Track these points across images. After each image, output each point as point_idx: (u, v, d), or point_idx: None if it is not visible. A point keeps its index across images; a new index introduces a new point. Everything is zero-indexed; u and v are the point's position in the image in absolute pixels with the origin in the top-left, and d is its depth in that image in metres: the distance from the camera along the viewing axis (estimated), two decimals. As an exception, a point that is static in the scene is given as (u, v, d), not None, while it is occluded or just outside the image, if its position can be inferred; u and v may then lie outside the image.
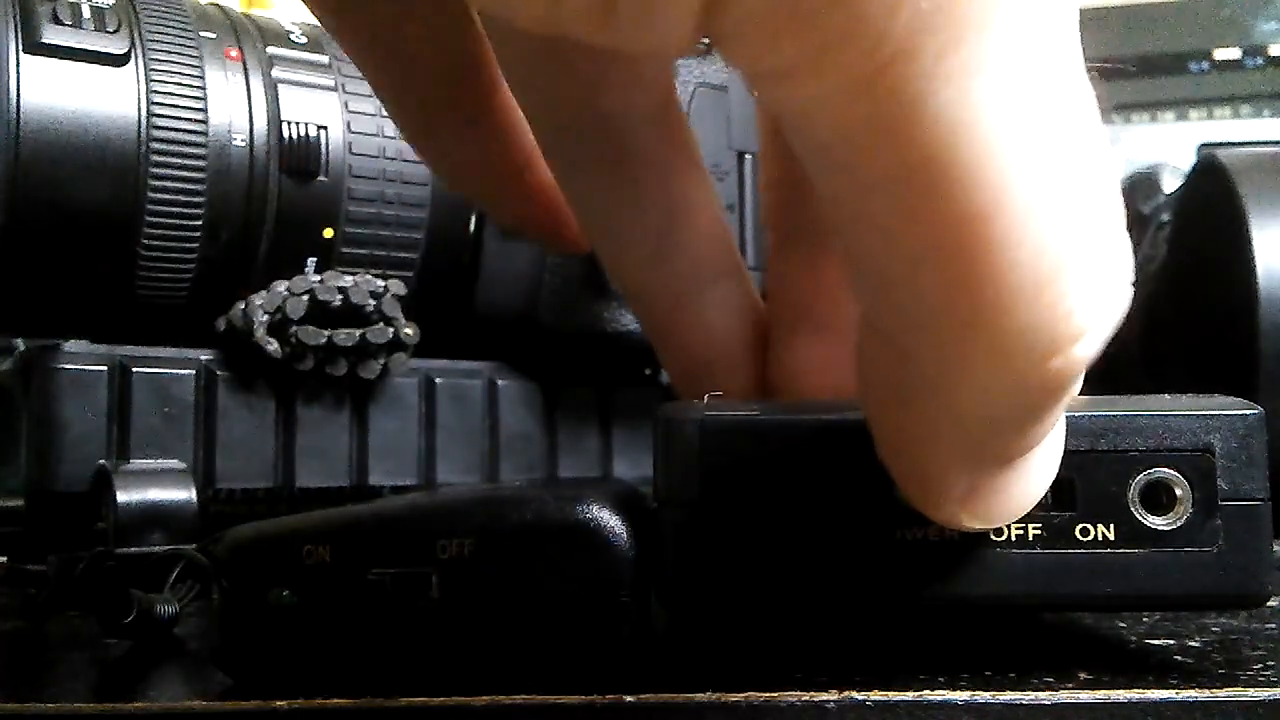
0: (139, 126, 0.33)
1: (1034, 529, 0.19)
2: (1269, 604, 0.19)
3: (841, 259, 0.15)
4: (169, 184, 0.33)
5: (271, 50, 0.36)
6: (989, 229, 0.13)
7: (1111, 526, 0.19)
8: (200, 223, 0.34)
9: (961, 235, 0.13)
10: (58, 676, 0.22)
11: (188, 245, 0.34)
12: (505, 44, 0.22)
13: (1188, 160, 0.46)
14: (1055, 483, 0.17)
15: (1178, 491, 0.19)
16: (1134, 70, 0.94)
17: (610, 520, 0.19)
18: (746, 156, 0.41)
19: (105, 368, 0.32)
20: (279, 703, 0.18)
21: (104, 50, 0.32)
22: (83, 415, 0.32)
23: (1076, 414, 0.18)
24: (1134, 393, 0.21)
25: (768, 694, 0.18)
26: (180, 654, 0.23)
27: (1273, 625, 0.23)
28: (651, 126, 0.23)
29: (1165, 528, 0.18)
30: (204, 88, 0.34)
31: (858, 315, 0.16)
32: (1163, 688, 0.18)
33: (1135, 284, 0.15)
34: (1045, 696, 0.18)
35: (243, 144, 0.34)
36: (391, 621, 0.19)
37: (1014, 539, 0.19)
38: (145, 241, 0.33)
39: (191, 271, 0.34)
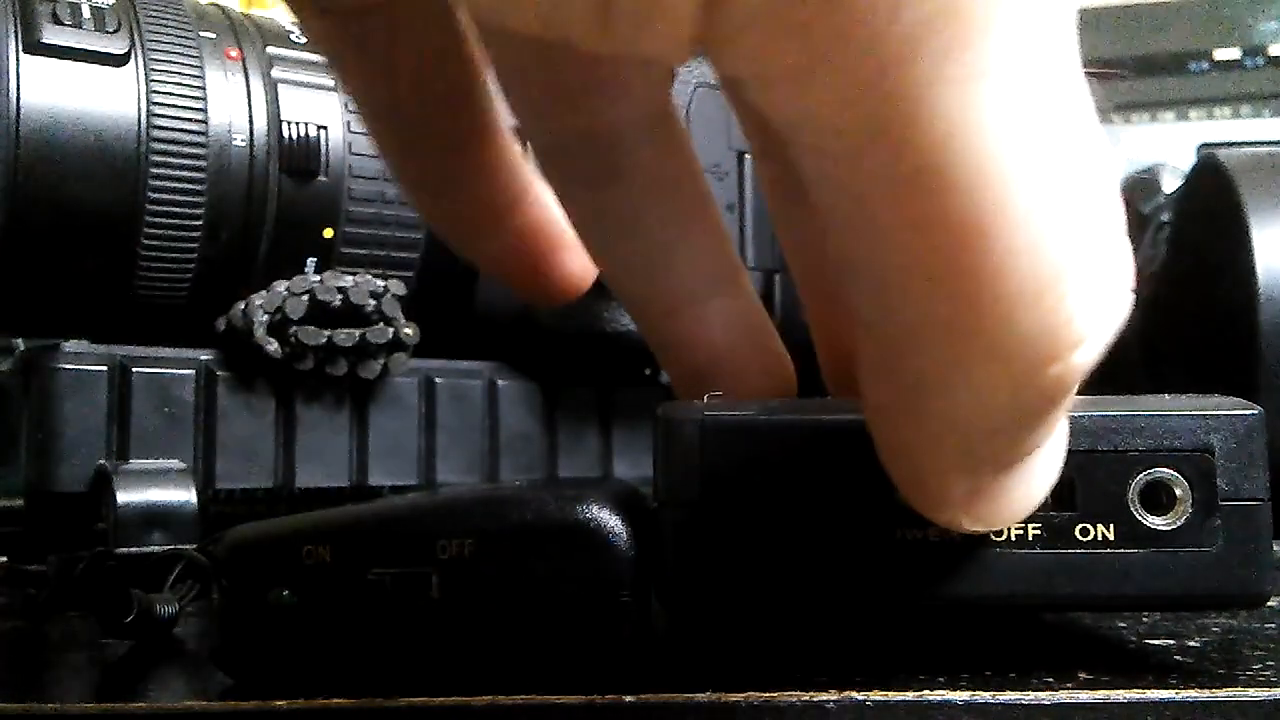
0: (139, 126, 0.33)
1: (1034, 529, 0.19)
2: (1269, 604, 0.19)
3: (837, 263, 0.15)
4: (169, 184, 0.33)
5: (271, 50, 0.36)
6: (988, 235, 0.13)
7: (1111, 526, 0.19)
8: (200, 223, 0.34)
9: (960, 241, 0.13)
10: (58, 676, 0.22)
11: (187, 245, 0.34)
12: (501, 54, 0.22)
13: (1188, 160, 0.46)
14: (1055, 483, 0.17)
15: (1178, 492, 0.18)
16: (1132, 71, 0.94)
17: (610, 520, 0.19)
18: (746, 156, 0.41)
19: (105, 368, 0.32)
20: (279, 703, 0.18)
21: (104, 50, 0.32)
22: (82, 415, 0.32)
23: (1076, 414, 0.18)
24: (1134, 393, 0.21)
25: (768, 694, 0.18)
26: (180, 654, 0.23)
27: (1273, 625, 0.23)
28: (649, 140, 0.22)
29: (1165, 528, 0.18)
30: (204, 88, 0.34)
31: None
32: (1163, 688, 0.18)
33: (1135, 287, 0.15)
34: (1045, 696, 0.18)
35: (243, 144, 0.34)
36: (391, 621, 0.19)
37: (1014, 539, 0.19)
38: (145, 241, 0.33)
39: (191, 271, 0.34)
